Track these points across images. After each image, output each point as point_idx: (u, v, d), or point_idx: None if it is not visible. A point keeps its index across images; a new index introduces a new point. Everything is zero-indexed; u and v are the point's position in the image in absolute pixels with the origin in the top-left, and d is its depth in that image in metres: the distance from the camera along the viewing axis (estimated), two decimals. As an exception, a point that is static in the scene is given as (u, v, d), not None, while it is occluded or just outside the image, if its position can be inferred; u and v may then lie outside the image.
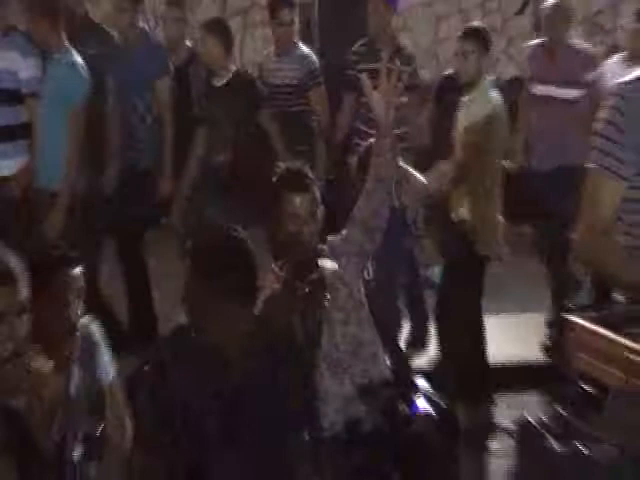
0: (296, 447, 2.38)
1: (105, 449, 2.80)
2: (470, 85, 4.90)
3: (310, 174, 3.05)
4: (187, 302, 2.42)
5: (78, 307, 2.77)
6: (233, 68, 5.38)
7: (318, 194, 3.00)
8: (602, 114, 2.35)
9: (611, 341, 2.01)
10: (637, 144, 2.24)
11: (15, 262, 2.07)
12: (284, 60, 5.66)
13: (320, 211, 2.96)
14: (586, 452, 1.82)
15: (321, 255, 2.93)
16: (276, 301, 2.69)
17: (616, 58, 5.75)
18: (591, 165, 2.33)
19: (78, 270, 2.77)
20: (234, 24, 7.03)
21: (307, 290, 2.79)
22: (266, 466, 2.34)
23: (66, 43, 5.00)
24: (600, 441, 1.84)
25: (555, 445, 1.87)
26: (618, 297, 2.46)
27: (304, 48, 5.80)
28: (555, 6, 5.62)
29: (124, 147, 5.32)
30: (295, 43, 5.71)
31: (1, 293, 2.02)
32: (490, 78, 5.39)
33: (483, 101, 4.82)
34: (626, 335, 2.00)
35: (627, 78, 2.41)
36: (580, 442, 1.84)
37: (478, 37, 4.99)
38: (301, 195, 2.87)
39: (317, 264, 2.89)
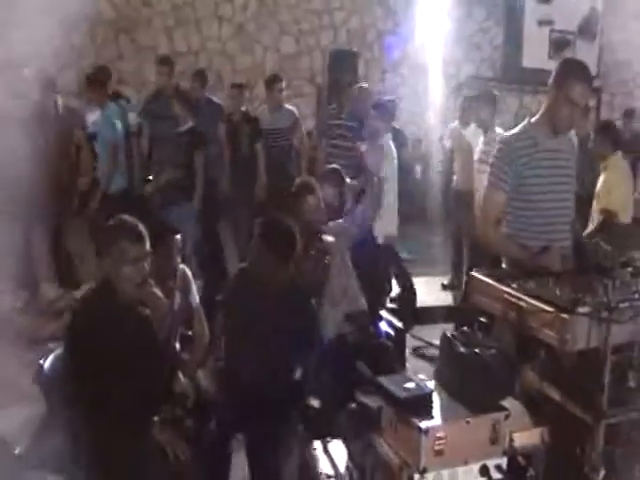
0: (309, 349, 3.28)
1: (191, 345, 3.55)
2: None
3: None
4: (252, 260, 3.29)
5: (178, 257, 3.48)
6: None
7: (321, 196, 3.90)
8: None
9: (495, 287, 2.67)
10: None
11: (142, 228, 2.75)
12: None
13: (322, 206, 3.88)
14: (479, 352, 2.39)
15: (324, 233, 3.82)
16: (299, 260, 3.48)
17: None
18: (487, 183, 3.13)
19: (178, 236, 3.45)
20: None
21: (314, 253, 3.69)
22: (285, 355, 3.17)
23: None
24: (488, 347, 2.43)
25: (462, 349, 2.43)
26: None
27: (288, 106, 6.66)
28: None
29: None
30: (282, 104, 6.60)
31: (138, 245, 2.70)
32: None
33: None
34: (503, 284, 2.65)
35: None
36: (477, 347, 2.42)
37: None
38: (312, 195, 3.82)
39: (321, 238, 3.79)
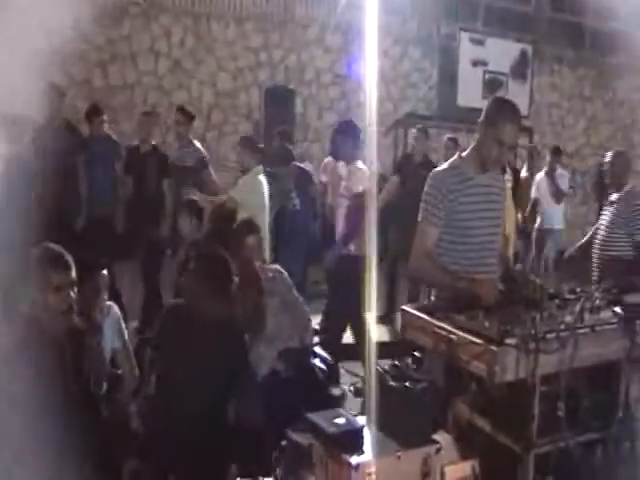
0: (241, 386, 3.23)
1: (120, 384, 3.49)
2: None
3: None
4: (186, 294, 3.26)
5: (105, 293, 3.41)
6: None
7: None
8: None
9: (426, 321, 2.69)
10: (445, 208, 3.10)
11: (68, 257, 2.71)
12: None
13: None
14: (410, 386, 2.38)
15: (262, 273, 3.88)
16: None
17: None
18: (420, 217, 3.19)
19: (105, 271, 3.40)
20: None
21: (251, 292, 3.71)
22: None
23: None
24: (418, 380, 2.41)
25: (393, 383, 2.41)
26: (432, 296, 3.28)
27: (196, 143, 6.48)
28: None
29: None
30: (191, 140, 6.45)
31: (63, 273, 2.65)
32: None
33: None
34: (434, 317, 2.67)
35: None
36: (407, 381, 2.40)
37: None
38: (252, 235, 3.90)
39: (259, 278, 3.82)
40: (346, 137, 5.62)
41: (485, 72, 10.88)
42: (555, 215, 7.38)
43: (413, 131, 7.49)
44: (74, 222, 6.02)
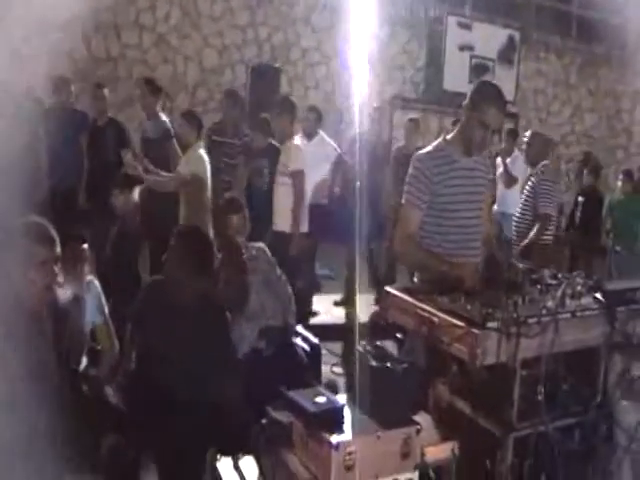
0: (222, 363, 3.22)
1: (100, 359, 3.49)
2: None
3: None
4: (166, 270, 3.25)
5: (86, 266, 3.41)
6: None
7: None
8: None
9: (408, 302, 2.70)
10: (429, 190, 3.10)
11: (52, 230, 2.67)
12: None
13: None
14: (391, 367, 2.39)
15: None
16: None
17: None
18: (404, 200, 3.19)
19: (85, 245, 3.38)
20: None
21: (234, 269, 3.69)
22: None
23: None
24: (400, 361, 2.45)
25: (374, 363, 2.42)
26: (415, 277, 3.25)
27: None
28: None
29: None
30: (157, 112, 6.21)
31: (47, 247, 2.59)
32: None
33: None
34: (417, 299, 2.68)
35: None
36: (388, 361, 2.42)
37: None
38: (237, 214, 3.89)
39: (242, 256, 3.80)
40: (280, 112, 5.64)
41: (472, 57, 10.88)
42: (508, 199, 7.33)
43: (405, 121, 7.45)
44: (35, 194, 5.83)
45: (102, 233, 5.52)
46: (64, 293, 2.96)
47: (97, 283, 3.49)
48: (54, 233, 2.66)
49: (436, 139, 3.36)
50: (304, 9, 10.55)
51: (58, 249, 2.66)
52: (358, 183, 6.18)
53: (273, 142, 6.15)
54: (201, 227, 4.08)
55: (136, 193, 5.00)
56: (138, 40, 9.71)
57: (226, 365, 3.19)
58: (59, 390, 2.73)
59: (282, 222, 5.44)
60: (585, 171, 8.11)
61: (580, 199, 7.82)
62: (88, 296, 3.38)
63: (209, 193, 5.49)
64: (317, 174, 6.32)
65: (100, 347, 3.47)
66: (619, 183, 8.09)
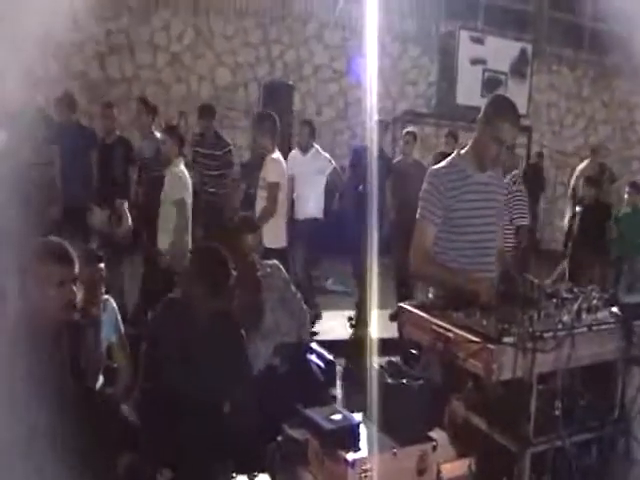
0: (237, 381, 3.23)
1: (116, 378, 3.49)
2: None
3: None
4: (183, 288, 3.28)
5: (102, 287, 3.39)
6: None
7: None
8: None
9: (424, 318, 2.68)
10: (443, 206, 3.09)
11: (71, 250, 2.71)
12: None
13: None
14: (406, 383, 2.42)
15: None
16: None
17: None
18: (418, 215, 3.17)
19: (102, 264, 3.37)
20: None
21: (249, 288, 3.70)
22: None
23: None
24: (415, 377, 2.47)
25: (389, 380, 2.46)
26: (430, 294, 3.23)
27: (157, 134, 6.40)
28: None
29: None
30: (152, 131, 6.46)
31: (66, 268, 2.64)
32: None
33: None
34: (432, 315, 2.67)
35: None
36: (404, 378, 2.45)
37: None
38: (252, 234, 3.92)
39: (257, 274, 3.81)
40: (261, 128, 5.68)
41: (484, 70, 10.88)
42: None
43: (403, 134, 7.49)
44: (51, 212, 5.97)
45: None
46: (81, 312, 2.99)
47: (113, 302, 3.51)
48: (73, 253, 2.68)
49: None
50: (316, 26, 10.63)
51: (76, 269, 2.69)
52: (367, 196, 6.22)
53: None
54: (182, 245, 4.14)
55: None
56: (152, 60, 9.81)
57: (242, 382, 3.19)
58: (76, 408, 2.74)
59: (267, 238, 5.43)
60: (583, 183, 8.10)
61: (578, 209, 7.82)
62: (104, 315, 3.40)
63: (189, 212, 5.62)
64: (312, 187, 6.41)
65: (116, 365, 3.47)
66: (625, 195, 8.06)
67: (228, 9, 10.20)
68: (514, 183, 5.29)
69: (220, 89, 10.20)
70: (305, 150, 6.58)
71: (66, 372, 2.82)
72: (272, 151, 5.71)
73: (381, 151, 6.98)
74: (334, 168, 6.72)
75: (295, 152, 6.70)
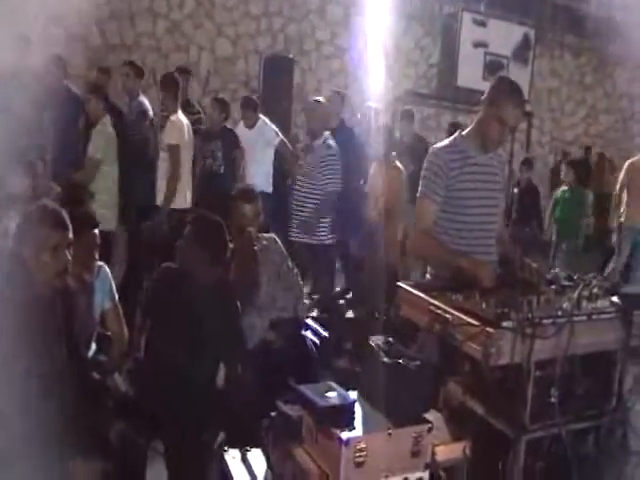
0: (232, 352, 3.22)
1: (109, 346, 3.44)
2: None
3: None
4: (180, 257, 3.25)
5: (96, 252, 3.28)
6: None
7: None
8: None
9: (422, 298, 2.65)
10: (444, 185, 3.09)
11: (65, 215, 2.68)
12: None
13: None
14: (403, 363, 2.38)
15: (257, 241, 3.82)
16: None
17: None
18: (419, 193, 3.17)
19: (96, 230, 3.28)
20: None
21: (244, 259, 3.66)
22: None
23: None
24: (411, 357, 2.43)
25: (385, 359, 2.42)
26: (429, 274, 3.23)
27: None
28: None
29: None
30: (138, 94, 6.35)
31: (61, 232, 2.64)
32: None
33: None
34: (430, 295, 2.64)
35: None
36: (400, 358, 2.41)
37: None
38: (250, 204, 3.87)
39: (253, 246, 3.77)
40: (165, 89, 5.81)
41: (486, 54, 10.79)
42: None
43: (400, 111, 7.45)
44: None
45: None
46: (74, 278, 2.95)
47: (107, 269, 3.46)
48: (67, 218, 2.64)
49: (447, 135, 3.33)
50: (319, 1, 10.50)
51: (70, 234, 2.65)
52: (362, 181, 6.18)
53: (227, 126, 6.34)
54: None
55: None
56: (152, 28, 9.67)
57: (235, 354, 3.17)
58: (68, 375, 2.72)
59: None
60: (521, 165, 8.29)
61: (515, 191, 7.96)
62: (98, 281, 3.35)
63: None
64: (259, 160, 6.44)
65: (110, 333, 3.43)
66: (562, 174, 8.21)
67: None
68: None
69: (220, 60, 10.07)
70: (251, 126, 6.58)
71: (58, 338, 2.79)
72: (175, 112, 5.75)
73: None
74: (281, 140, 6.69)
75: (241, 126, 6.71)
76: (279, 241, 3.92)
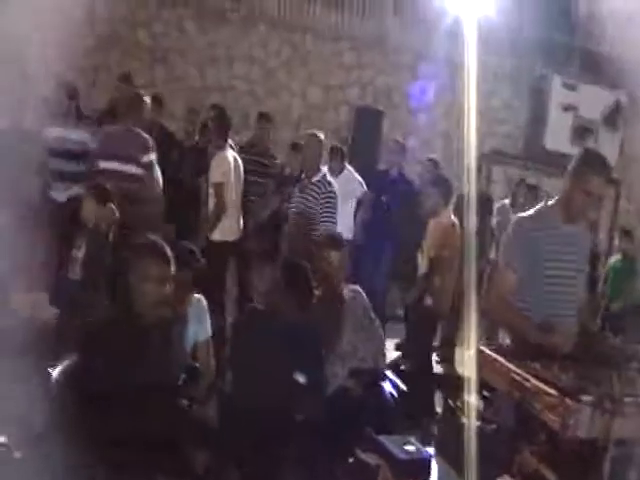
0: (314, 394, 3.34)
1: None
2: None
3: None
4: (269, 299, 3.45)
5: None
6: None
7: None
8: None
9: (502, 364, 2.75)
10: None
11: (168, 250, 2.95)
12: None
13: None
14: (480, 426, 2.58)
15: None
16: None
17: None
18: (500, 261, 3.28)
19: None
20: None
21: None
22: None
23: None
24: (489, 421, 2.63)
25: (464, 420, 2.60)
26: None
27: None
28: None
29: None
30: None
31: (163, 266, 2.89)
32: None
33: None
34: (510, 361, 2.73)
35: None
36: (478, 420, 2.61)
37: None
38: (336, 251, 3.98)
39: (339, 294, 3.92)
40: (216, 126, 5.85)
41: (575, 117, 10.77)
42: None
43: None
44: None
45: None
46: (171, 308, 3.15)
47: (204, 302, 3.65)
48: (169, 252, 2.87)
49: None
50: (410, 56, 10.75)
51: (172, 268, 2.88)
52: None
53: None
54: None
55: None
56: (248, 73, 10.10)
57: (317, 396, 3.29)
58: (158, 404, 2.89)
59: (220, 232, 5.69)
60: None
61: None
62: (193, 312, 3.53)
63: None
64: (343, 209, 6.34)
65: (198, 365, 3.56)
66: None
67: (325, 32, 10.43)
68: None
69: (311, 107, 10.41)
70: (337, 175, 6.69)
71: (151, 366, 2.98)
72: (222, 148, 5.80)
73: (400, 171, 7.12)
74: (365, 191, 6.83)
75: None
76: (363, 293, 4.04)
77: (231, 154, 5.89)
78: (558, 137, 10.25)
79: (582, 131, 10.58)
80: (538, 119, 10.69)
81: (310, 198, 5.16)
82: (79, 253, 4.82)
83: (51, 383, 2.99)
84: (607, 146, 9.37)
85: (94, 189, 4.80)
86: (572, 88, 10.86)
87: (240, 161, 6.02)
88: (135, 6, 9.40)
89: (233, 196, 5.84)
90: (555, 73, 10.85)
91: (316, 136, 5.39)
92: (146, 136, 5.39)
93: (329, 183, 5.25)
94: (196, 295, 3.57)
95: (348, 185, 6.72)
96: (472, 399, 2.71)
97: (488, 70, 10.61)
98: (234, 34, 9.91)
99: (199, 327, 3.58)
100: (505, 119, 11.38)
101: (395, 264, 6.22)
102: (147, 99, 5.64)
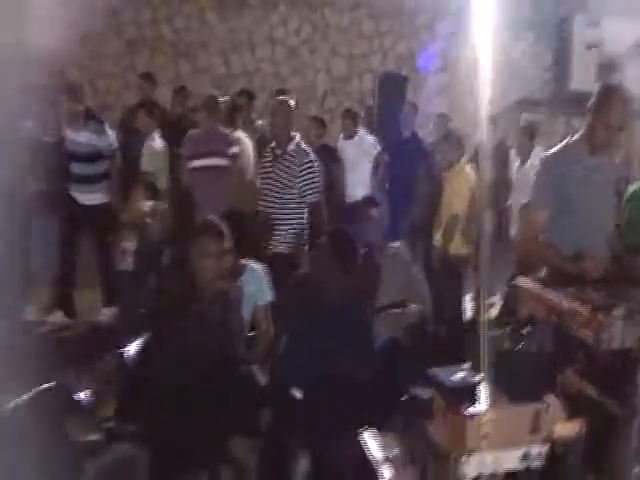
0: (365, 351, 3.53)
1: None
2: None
3: None
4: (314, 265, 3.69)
5: None
6: None
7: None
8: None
9: (539, 293, 2.95)
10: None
11: (224, 227, 3.26)
12: None
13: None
14: (522, 348, 2.64)
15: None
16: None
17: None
18: (531, 199, 3.46)
19: None
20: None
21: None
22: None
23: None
24: (531, 346, 2.66)
25: (507, 345, 2.68)
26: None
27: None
28: None
29: None
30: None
31: (219, 242, 3.22)
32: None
33: None
34: (546, 290, 2.93)
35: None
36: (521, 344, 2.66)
37: None
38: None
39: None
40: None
41: (600, 55, 10.64)
42: None
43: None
44: None
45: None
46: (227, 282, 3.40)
47: (261, 270, 3.84)
48: (225, 230, 3.12)
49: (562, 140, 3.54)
50: (426, 17, 10.76)
51: (228, 244, 3.15)
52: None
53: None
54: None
55: None
56: (271, 54, 10.27)
57: (369, 351, 3.49)
58: (218, 370, 3.12)
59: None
60: None
61: None
62: (249, 279, 3.72)
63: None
64: (357, 170, 6.67)
65: (257, 331, 3.79)
66: None
67: (341, 1, 10.52)
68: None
69: (335, 80, 10.53)
70: (350, 137, 6.87)
71: (213, 336, 3.22)
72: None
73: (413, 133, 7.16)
74: (379, 152, 6.93)
75: (341, 138, 7.01)
76: (406, 249, 4.23)
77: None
78: (584, 77, 10.15)
79: (607, 67, 10.45)
80: (563, 62, 10.59)
81: (285, 169, 4.77)
82: (128, 245, 5.13)
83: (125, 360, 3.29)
84: (635, 78, 9.23)
85: None
86: (595, 25, 10.70)
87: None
88: (158, 3, 9.62)
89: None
90: (576, 13, 10.71)
91: (286, 102, 4.99)
92: (227, 132, 5.77)
93: (305, 153, 4.83)
94: (251, 263, 3.78)
95: (362, 145, 6.90)
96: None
97: (507, 19, 10.54)
98: (255, 17, 10.06)
99: (258, 292, 3.77)
100: (528, 66, 11.31)
101: (412, 220, 6.33)
102: (222, 99, 5.96)
